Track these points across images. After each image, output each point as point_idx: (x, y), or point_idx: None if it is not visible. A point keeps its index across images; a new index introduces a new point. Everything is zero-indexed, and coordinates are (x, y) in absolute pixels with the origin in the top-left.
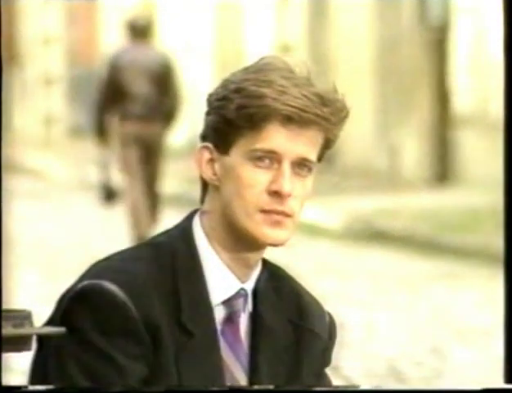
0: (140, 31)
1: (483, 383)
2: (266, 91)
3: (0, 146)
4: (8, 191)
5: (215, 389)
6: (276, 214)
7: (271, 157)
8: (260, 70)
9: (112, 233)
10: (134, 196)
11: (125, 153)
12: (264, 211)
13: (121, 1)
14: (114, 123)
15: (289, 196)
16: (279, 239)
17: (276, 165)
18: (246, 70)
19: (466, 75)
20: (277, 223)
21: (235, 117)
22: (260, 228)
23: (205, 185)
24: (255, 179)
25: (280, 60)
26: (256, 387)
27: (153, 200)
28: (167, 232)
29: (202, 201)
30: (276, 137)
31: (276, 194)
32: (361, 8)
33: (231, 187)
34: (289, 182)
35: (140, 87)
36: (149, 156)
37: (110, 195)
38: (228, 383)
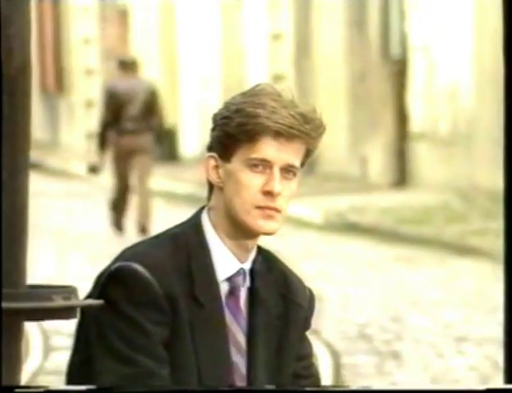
0: (128, 66)
1: (434, 344)
2: (260, 111)
3: (0, 150)
4: (59, 192)
5: (221, 389)
6: (268, 210)
7: (264, 164)
8: (255, 95)
9: None
10: (117, 194)
11: (118, 160)
12: (259, 207)
13: (148, 40)
14: (112, 137)
15: (279, 195)
16: (271, 230)
17: (268, 171)
18: (244, 94)
19: (420, 100)
20: (269, 217)
21: (235, 132)
22: (256, 221)
23: (211, 186)
24: (251, 182)
25: (270, 86)
26: (259, 388)
27: (144, 194)
28: (181, 225)
29: (209, 199)
30: (268, 149)
31: (269, 194)
32: (336, 46)
33: (232, 188)
34: (278, 184)
35: (131, 109)
36: (139, 161)
37: (93, 169)
38: (231, 344)
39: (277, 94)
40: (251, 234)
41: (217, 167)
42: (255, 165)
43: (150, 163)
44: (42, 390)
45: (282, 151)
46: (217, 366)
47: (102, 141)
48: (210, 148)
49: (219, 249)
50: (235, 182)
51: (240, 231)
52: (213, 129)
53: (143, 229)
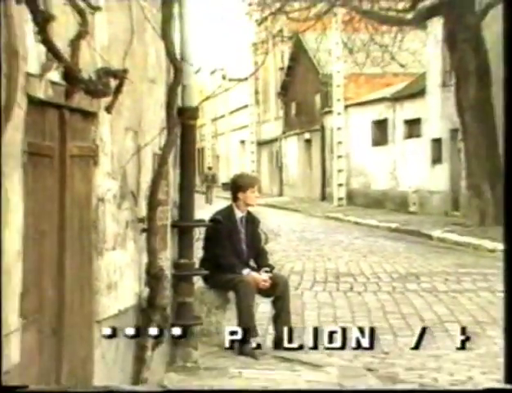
0: (210, 169)
1: (293, 233)
2: (253, 181)
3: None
4: (200, 197)
5: (227, 389)
6: (255, 202)
7: (255, 190)
8: (249, 177)
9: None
10: (205, 194)
11: (205, 187)
12: (255, 201)
13: (222, 162)
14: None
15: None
16: (256, 204)
17: (255, 191)
18: (245, 176)
19: (287, 178)
20: (255, 201)
21: (248, 186)
22: (254, 202)
23: (237, 197)
24: (253, 196)
25: (250, 173)
26: (261, 389)
27: (211, 194)
28: (228, 206)
29: (234, 200)
30: (257, 187)
31: (257, 197)
32: (265, 168)
33: (248, 198)
34: (257, 193)
35: (208, 176)
36: (210, 187)
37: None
38: (241, 235)
39: (253, 175)
40: (251, 206)
41: (242, 194)
42: (253, 191)
43: (214, 189)
44: (42, 390)
45: (257, 186)
46: (238, 241)
47: (202, 182)
48: (238, 191)
49: (237, 211)
50: (249, 198)
51: (248, 206)
52: (239, 188)
53: (209, 201)
